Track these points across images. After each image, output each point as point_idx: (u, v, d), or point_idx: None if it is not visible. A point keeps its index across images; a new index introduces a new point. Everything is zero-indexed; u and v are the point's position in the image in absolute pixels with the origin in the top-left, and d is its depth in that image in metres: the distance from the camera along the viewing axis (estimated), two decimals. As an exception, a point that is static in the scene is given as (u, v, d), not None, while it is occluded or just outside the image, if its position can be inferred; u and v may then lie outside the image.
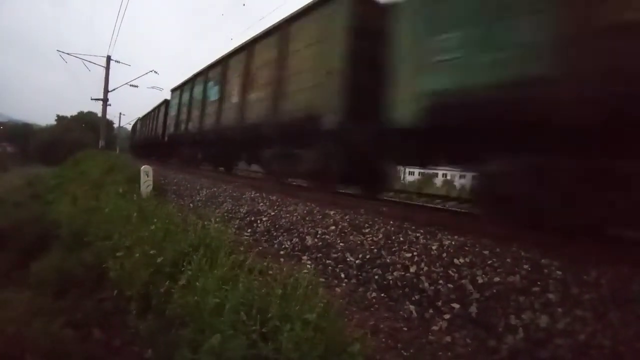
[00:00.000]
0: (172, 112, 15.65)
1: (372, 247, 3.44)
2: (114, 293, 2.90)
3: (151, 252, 2.75)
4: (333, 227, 4.06)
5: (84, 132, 48.16)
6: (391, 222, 3.99)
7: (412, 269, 2.99)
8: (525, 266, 2.69)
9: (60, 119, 56.77)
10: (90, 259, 3.50)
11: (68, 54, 22.26)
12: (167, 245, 2.87)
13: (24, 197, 10.57)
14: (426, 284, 2.79)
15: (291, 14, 6.94)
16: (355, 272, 3.20)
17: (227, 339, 1.69)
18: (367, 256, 3.33)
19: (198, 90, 12.31)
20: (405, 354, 2.17)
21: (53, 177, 13.73)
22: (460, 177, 23.43)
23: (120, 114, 48.47)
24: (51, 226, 4.91)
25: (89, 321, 2.77)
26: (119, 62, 24.20)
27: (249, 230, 4.65)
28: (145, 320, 2.40)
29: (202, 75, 11.96)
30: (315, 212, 4.69)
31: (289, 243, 4.00)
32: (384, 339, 2.30)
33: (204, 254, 2.59)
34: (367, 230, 3.83)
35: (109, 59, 23.21)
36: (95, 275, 3.33)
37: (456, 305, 2.53)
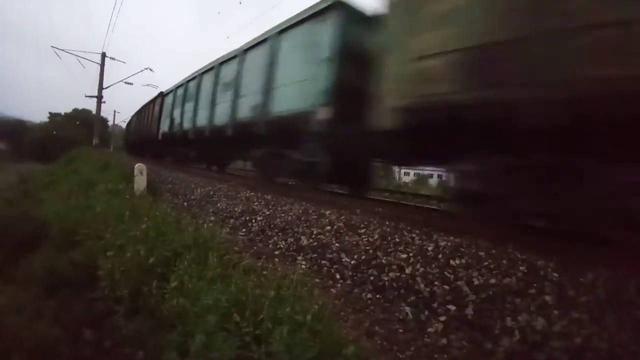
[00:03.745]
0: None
1: (368, 248, 3.41)
2: (104, 293, 2.86)
3: (142, 252, 2.70)
4: (328, 227, 4.03)
5: (78, 129, 47.81)
6: (387, 222, 3.97)
7: (408, 270, 2.96)
8: (522, 268, 2.68)
9: (52, 116, 56.27)
10: (80, 258, 3.44)
11: (62, 50, 22.05)
12: (160, 244, 2.83)
13: (16, 194, 10.44)
14: (422, 285, 2.76)
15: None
16: (350, 273, 3.17)
17: (218, 341, 1.66)
18: (363, 257, 3.30)
19: None
20: (401, 356, 2.15)
21: (46, 175, 13.59)
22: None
23: (115, 111, 48.25)
24: (43, 224, 4.84)
25: (79, 321, 2.72)
26: (114, 59, 24.01)
27: (244, 229, 4.61)
28: (136, 322, 2.35)
29: None
30: (310, 212, 4.66)
31: (283, 243, 3.97)
32: (379, 341, 2.27)
33: (197, 254, 2.56)
34: (362, 231, 3.81)
35: (103, 55, 23.05)
36: (86, 274, 3.27)
37: (452, 307, 2.50)
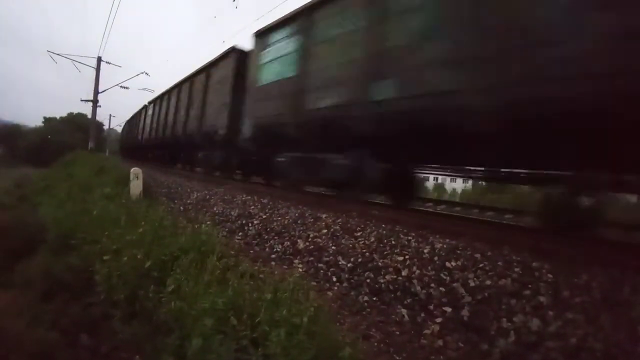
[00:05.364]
0: None
1: (364, 251, 3.42)
2: (101, 297, 2.85)
3: (139, 256, 2.70)
4: (325, 231, 4.04)
5: (74, 133, 47.58)
6: (383, 225, 3.98)
7: (404, 273, 2.97)
8: (517, 269, 2.70)
9: (47, 120, 55.89)
10: (77, 262, 3.44)
11: (58, 54, 21.99)
12: (156, 248, 2.83)
13: (12, 199, 10.39)
14: (418, 288, 2.77)
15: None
16: (347, 276, 3.17)
17: (215, 344, 1.66)
18: (359, 259, 3.31)
19: None
20: (397, 358, 2.16)
21: (41, 179, 13.52)
22: (451, 180, 23.30)
23: (110, 115, 48.22)
24: (39, 229, 4.82)
25: (76, 326, 2.71)
26: (110, 63, 23.97)
27: (240, 233, 4.61)
28: (133, 326, 2.35)
29: None
30: (307, 215, 4.67)
31: (280, 246, 3.97)
32: (375, 343, 2.28)
33: (194, 257, 2.56)
34: (359, 234, 3.82)
35: (99, 60, 22.99)
36: (83, 278, 3.26)
37: (448, 309, 2.52)
